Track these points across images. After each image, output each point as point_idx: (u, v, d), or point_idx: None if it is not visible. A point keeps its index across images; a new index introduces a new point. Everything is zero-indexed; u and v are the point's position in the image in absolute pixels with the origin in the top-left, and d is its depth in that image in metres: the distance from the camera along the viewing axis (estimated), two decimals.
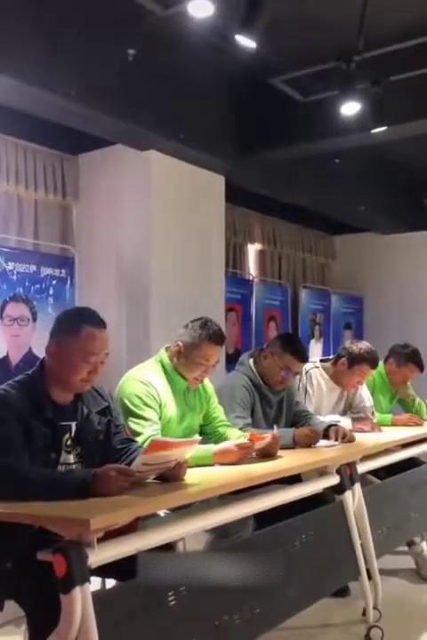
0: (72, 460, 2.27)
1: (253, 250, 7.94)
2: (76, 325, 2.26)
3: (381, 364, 4.47)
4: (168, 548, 2.30)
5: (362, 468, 3.30)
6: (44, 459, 2.17)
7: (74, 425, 2.29)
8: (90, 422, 2.33)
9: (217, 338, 2.89)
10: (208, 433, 3.05)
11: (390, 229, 8.37)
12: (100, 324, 2.30)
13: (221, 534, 2.65)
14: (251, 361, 3.44)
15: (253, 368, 3.41)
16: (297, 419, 3.52)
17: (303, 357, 3.45)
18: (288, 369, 3.35)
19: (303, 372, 3.85)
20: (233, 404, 3.24)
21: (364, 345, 3.95)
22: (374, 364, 3.91)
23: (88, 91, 4.52)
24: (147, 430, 2.66)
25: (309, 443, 3.12)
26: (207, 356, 2.87)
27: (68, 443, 2.26)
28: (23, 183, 5.44)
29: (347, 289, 8.83)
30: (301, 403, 3.62)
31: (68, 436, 2.26)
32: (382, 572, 3.31)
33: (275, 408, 3.46)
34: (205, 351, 2.86)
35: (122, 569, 2.04)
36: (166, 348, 2.98)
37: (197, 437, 2.34)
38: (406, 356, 4.38)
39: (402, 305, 8.30)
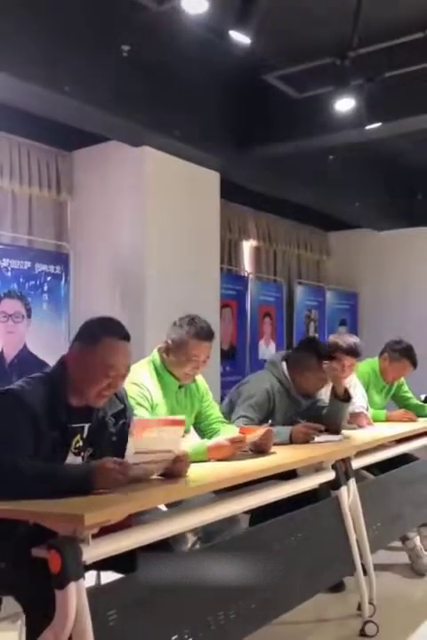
0: (80, 463, 2.23)
1: (247, 246, 7.94)
2: (97, 335, 2.21)
3: (375, 359, 4.47)
4: (165, 547, 2.30)
5: (357, 463, 3.31)
6: (51, 460, 2.14)
7: (87, 427, 2.24)
8: (104, 425, 2.29)
9: (204, 334, 2.90)
10: (203, 430, 3.06)
11: (384, 225, 8.38)
12: (123, 336, 2.24)
13: (211, 533, 2.65)
14: (284, 364, 3.42)
15: (285, 371, 3.40)
16: (316, 411, 3.53)
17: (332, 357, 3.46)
18: (324, 380, 3.39)
19: None
20: (247, 402, 3.26)
21: (342, 336, 4.01)
22: (347, 351, 3.81)
23: (82, 87, 4.51)
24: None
25: (305, 439, 3.13)
26: (195, 353, 2.87)
27: (78, 445, 2.22)
28: (17, 179, 5.42)
29: (342, 285, 8.84)
30: (320, 399, 3.61)
31: (78, 437, 2.22)
32: (377, 567, 3.33)
33: (303, 412, 3.47)
34: (193, 348, 2.87)
35: (122, 562, 2.05)
36: (158, 349, 2.99)
37: (183, 417, 2.34)
38: (399, 351, 4.37)
39: (397, 300, 8.31)
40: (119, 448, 2.25)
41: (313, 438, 3.17)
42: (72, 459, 2.21)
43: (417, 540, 3.96)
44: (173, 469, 2.19)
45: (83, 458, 2.25)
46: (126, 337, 2.25)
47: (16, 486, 1.95)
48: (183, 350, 2.87)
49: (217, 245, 6.34)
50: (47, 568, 1.78)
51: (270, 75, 5.39)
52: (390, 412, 4.36)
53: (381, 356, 4.43)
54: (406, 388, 4.66)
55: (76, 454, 2.23)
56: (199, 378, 3.10)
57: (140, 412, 2.74)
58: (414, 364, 4.39)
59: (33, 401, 2.10)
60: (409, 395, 4.66)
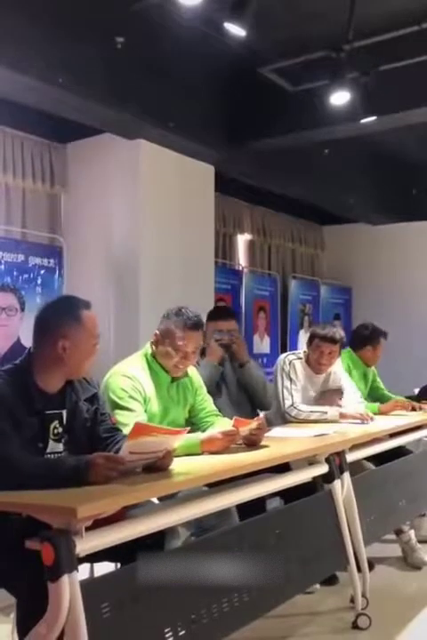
0: (61, 449, 2.26)
1: (242, 240, 7.93)
2: (76, 313, 2.28)
3: (347, 350, 4.48)
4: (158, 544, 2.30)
5: (351, 457, 3.31)
6: (33, 448, 2.16)
7: (64, 413, 2.28)
8: (79, 410, 2.32)
9: (191, 324, 2.89)
10: (197, 424, 3.05)
11: (379, 220, 8.37)
12: (89, 305, 2.35)
13: (204, 529, 2.65)
14: None
15: None
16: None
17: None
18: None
19: (287, 362, 3.88)
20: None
21: (321, 324, 4.02)
22: (326, 339, 3.86)
23: (76, 79, 4.48)
24: (133, 421, 2.65)
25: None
26: (182, 343, 2.86)
27: (56, 431, 2.24)
28: (11, 172, 5.39)
29: (336, 279, 8.85)
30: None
31: (55, 423, 2.25)
32: (370, 560, 3.34)
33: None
34: (179, 338, 2.86)
35: (115, 552, 2.06)
36: (151, 343, 2.98)
37: (186, 428, 2.34)
38: (377, 335, 4.49)
39: (391, 295, 8.31)
40: (93, 433, 2.34)
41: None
42: (53, 445, 2.23)
43: (412, 533, 3.97)
44: (156, 464, 2.19)
45: (62, 444, 2.27)
46: (90, 304, 2.36)
47: (10, 480, 1.95)
48: (170, 340, 2.87)
49: (211, 239, 6.33)
50: (40, 560, 1.78)
51: (265, 68, 5.36)
52: (382, 405, 4.37)
53: (358, 348, 4.51)
54: (378, 379, 4.74)
55: (56, 441, 2.25)
56: (193, 371, 3.10)
57: (132, 405, 2.74)
58: (385, 334, 4.55)
59: (7, 391, 2.14)
60: (381, 385, 4.74)
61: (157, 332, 2.92)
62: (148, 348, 2.97)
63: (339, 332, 3.93)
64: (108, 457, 2.06)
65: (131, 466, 2.11)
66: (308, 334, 4.05)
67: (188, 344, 2.88)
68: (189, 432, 2.43)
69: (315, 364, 3.91)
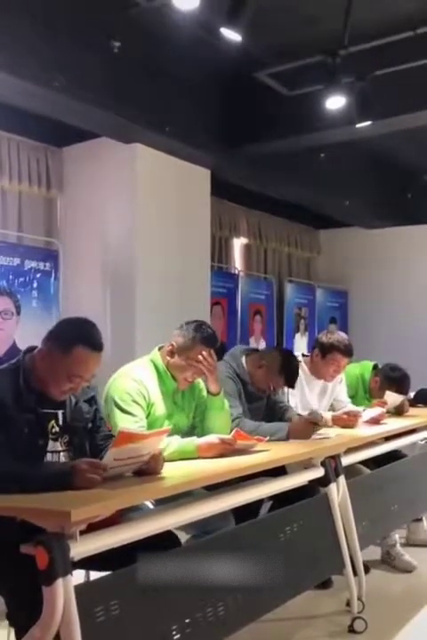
0: (60, 448, 2.27)
1: (238, 244, 7.94)
2: (70, 341, 2.22)
3: (368, 365, 4.42)
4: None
5: (346, 460, 3.32)
6: (32, 445, 2.17)
7: (61, 413, 2.28)
8: (79, 411, 2.33)
9: (210, 341, 2.91)
10: (197, 424, 3.04)
11: (375, 224, 8.40)
12: (96, 346, 2.25)
13: (201, 530, 2.65)
14: (243, 358, 3.44)
15: (244, 364, 3.42)
16: (274, 411, 3.53)
17: (293, 384, 3.52)
18: (275, 386, 3.44)
19: None
20: (224, 395, 3.21)
21: (335, 334, 3.95)
22: (346, 353, 3.87)
23: (73, 82, 4.49)
24: (131, 427, 2.65)
25: (305, 436, 3.13)
26: (198, 359, 2.87)
27: (54, 430, 2.25)
28: (7, 175, 5.39)
29: (332, 283, 8.86)
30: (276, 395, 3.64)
31: (53, 422, 2.25)
32: (366, 563, 3.33)
33: (256, 404, 3.49)
34: (198, 353, 2.87)
35: (109, 560, 2.06)
36: (159, 348, 2.97)
37: (168, 427, 2.35)
38: (392, 380, 4.25)
39: (387, 299, 8.33)
40: (93, 434, 2.35)
41: (313, 433, 3.17)
42: (51, 444, 2.24)
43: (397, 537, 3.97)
44: (148, 468, 2.19)
45: (61, 443, 2.27)
46: (99, 347, 2.26)
47: None
48: (187, 354, 2.87)
49: (208, 243, 6.34)
50: (35, 564, 1.78)
51: (261, 72, 5.38)
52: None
53: (374, 375, 4.36)
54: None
55: (54, 440, 2.26)
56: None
57: (133, 410, 2.73)
58: (405, 394, 4.31)
59: None
60: None
61: (174, 343, 2.90)
62: (156, 354, 2.95)
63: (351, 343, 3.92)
64: (92, 462, 2.06)
65: (114, 472, 2.10)
66: (321, 343, 3.89)
67: (203, 360, 2.88)
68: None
69: (327, 374, 3.91)
